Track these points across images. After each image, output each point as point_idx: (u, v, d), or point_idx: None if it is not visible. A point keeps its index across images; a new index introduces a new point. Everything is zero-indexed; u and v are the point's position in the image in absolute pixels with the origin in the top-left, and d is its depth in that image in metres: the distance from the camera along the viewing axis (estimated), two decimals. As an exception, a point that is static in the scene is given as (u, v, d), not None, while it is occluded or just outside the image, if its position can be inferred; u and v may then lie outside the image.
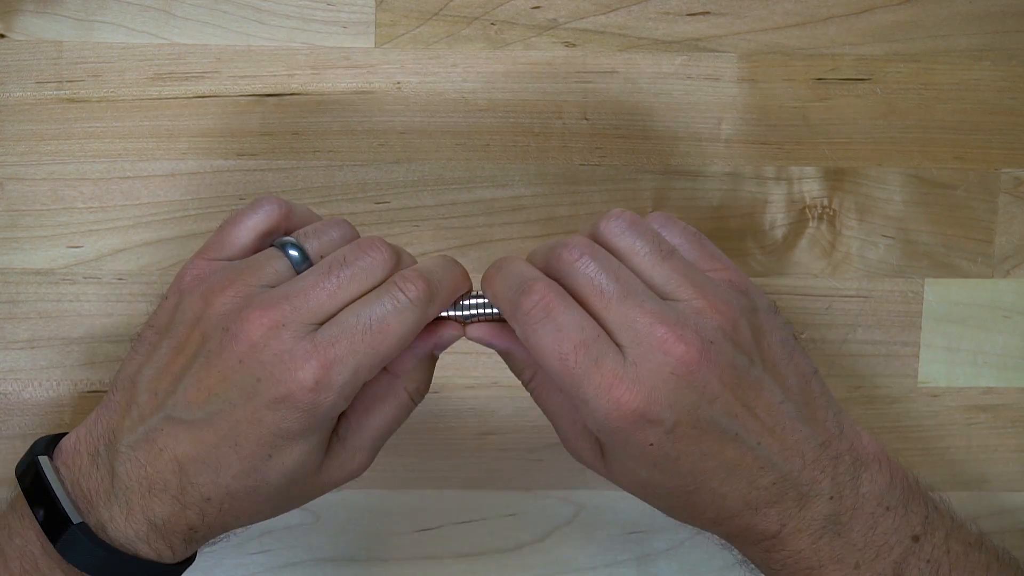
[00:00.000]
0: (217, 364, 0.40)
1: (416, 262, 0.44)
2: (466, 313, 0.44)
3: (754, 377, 0.41)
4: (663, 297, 0.41)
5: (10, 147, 0.53)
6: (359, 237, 0.44)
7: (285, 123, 0.54)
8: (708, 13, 0.55)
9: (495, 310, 0.43)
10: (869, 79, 0.56)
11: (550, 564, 0.57)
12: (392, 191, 0.55)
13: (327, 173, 0.55)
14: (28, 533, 0.42)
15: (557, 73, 0.55)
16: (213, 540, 0.44)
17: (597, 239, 0.42)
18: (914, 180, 0.57)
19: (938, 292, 0.57)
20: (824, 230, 0.57)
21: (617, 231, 0.42)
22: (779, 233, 0.57)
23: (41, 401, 0.55)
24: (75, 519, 0.41)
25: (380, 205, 0.55)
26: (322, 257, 0.43)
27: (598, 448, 0.43)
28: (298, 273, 0.42)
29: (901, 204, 0.57)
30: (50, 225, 0.54)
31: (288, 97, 0.54)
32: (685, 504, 0.42)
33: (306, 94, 0.54)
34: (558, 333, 0.39)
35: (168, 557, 0.42)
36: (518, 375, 0.45)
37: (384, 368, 0.43)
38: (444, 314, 0.44)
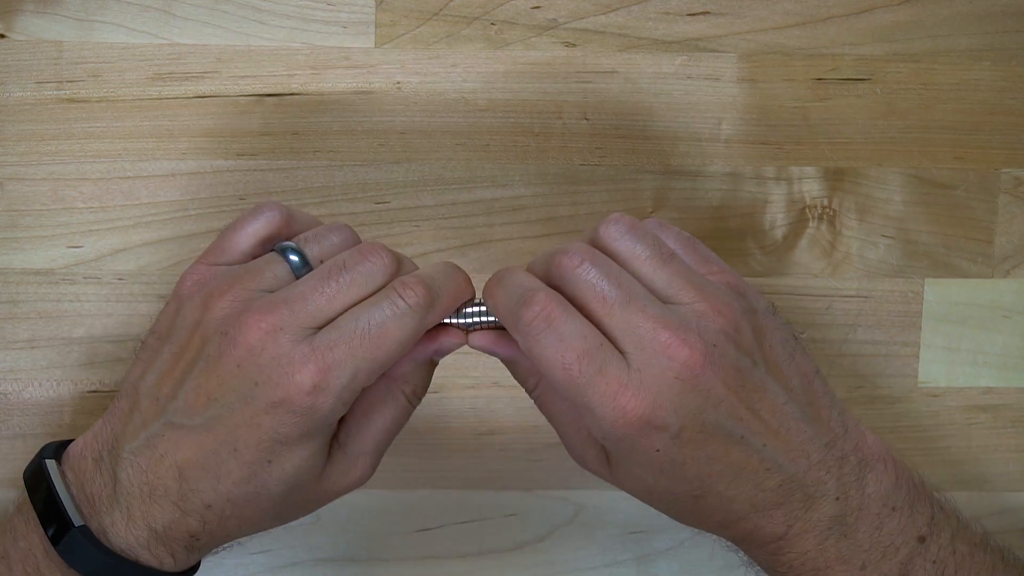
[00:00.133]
0: (216, 369, 0.40)
1: (417, 268, 0.44)
2: (468, 321, 0.44)
3: (757, 379, 0.41)
4: (664, 301, 0.41)
5: (10, 147, 0.53)
6: (360, 242, 0.44)
7: (285, 123, 0.54)
8: (708, 13, 0.55)
9: (495, 318, 0.43)
10: (869, 79, 0.56)
11: (550, 564, 0.57)
12: (392, 191, 0.55)
13: (327, 173, 0.55)
14: (32, 536, 0.42)
15: (557, 73, 0.55)
16: (216, 549, 0.44)
17: (596, 244, 0.42)
18: (914, 180, 0.57)
19: (938, 292, 0.57)
20: (824, 230, 0.57)
21: (616, 235, 0.42)
22: (779, 233, 0.57)
23: (41, 401, 0.55)
24: (77, 522, 0.41)
25: (380, 205, 0.55)
26: (322, 262, 0.43)
27: (604, 455, 0.43)
28: (298, 278, 0.42)
29: (901, 204, 0.57)
30: (50, 225, 0.54)
31: (288, 97, 0.54)
32: (692, 509, 0.42)
33: (306, 94, 0.54)
34: (560, 343, 0.39)
35: (170, 565, 0.42)
36: (522, 383, 0.45)
37: (383, 374, 0.43)
38: (446, 321, 0.43)
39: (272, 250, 0.43)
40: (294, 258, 0.43)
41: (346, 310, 0.41)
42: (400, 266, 0.43)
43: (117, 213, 0.54)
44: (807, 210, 0.57)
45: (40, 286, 0.54)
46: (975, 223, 0.57)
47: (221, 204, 0.54)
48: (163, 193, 0.54)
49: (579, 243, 0.42)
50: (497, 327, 0.44)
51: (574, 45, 0.55)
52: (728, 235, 0.56)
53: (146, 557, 0.41)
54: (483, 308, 0.44)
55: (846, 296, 0.57)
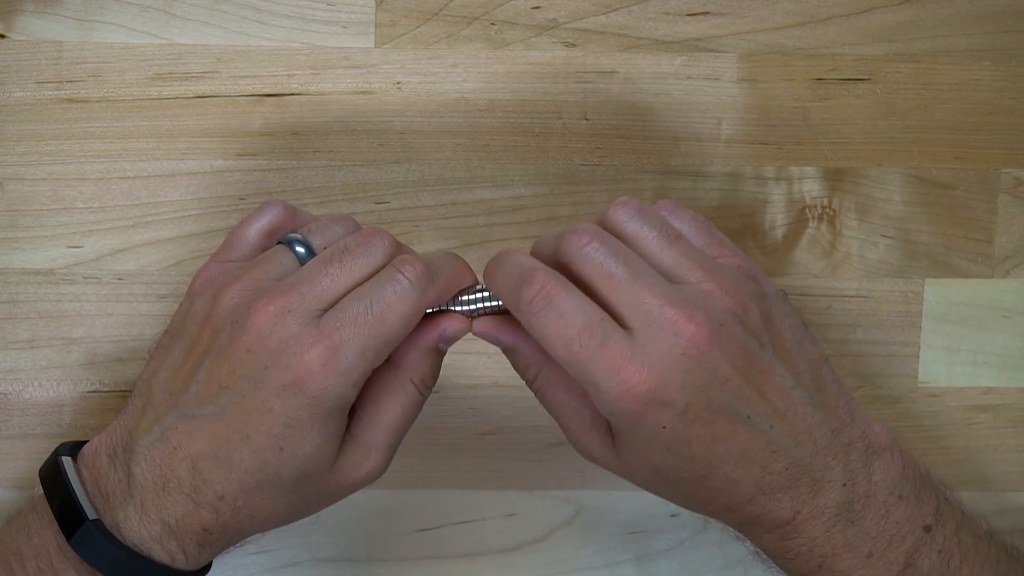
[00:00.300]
0: (227, 357, 0.41)
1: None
2: (470, 308, 0.44)
3: (765, 361, 0.41)
4: (672, 281, 0.41)
5: (10, 147, 0.53)
6: None
7: (285, 123, 0.54)
8: (708, 13, 0.55)
9: (499, 302, 0.44)
10: (869, 79, 0.56)
11: (550, 564, 0.57)
12: (392, 191, 0.55)
13: (327, 173, 0.55)
14: (46, 533, 0.42)
15: (557, 73, 0.55)
16: (227, 549, 0.44)
17: (605, 226, 0.43)
18: (914, 180, 0.57)
19: (938, 292, 0.57)
20: (824, 230, 0.57)
21: (625, 217, 0.42)
22: (779, 233, 0.57)
23: (41, 401, 0.55)
24: (90, 515, 0.41)
25: (380, 205, 0.55)
26: None
27: (608, 439, 0.43)
28: None
29: (901, 204, 0.57)
30: (50, 225, 0.54)
31: (288, 97, 0.54)
32: (698, 491, 0.42)
33: (306, 94, 0.54)
34: (560, 319, 0.39)
35: (181, 562, 0.42)
36: (522, 373, 0.45)
37: (390, 361, 0.43)
38: (449, 309, 0.44)
39: (279, 242, 0.44)
40: (300, 249, 0.44)
41: (350, 291, 0.42)
42: (400, 248, 0.44)
43: (117, 213, 0.54)
44: (807, 210, 0.57)
45: (40, 286, 0.54)
46: (975, 223, 0.57)
47: (221, 204, 0.54)
48: (163, 193, 0.54)
49: (588, 224, 0.42)
50: (500, 312, 0.44)
51: (574, 45, 0.55)
52: (728, 235, 0.55)
53: (158, 552, 0.41)
54: (485, 294, 0.44)
55: (846, 296, 0.57)
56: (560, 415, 0.45)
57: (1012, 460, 0.59)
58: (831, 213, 0.57)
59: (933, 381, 0.58)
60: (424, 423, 0.56)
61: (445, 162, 0.55)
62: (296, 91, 0.54)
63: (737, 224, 0.56)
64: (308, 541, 0.56)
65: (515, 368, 0.45)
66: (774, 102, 0.56)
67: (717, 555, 0.57)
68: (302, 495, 0.43)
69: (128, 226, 0.54)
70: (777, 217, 0.57)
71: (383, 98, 0.55)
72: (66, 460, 0.43)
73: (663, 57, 0.55)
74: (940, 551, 0.43)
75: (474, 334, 0.44)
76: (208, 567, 0.44)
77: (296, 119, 0.54)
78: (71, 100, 0.53)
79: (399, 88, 0.55)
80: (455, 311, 0.44)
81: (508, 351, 0.45)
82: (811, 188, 0.56)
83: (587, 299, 0.40)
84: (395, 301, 0.41)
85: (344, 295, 0.41)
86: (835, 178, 0.56)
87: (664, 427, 0.40)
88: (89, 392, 0.55)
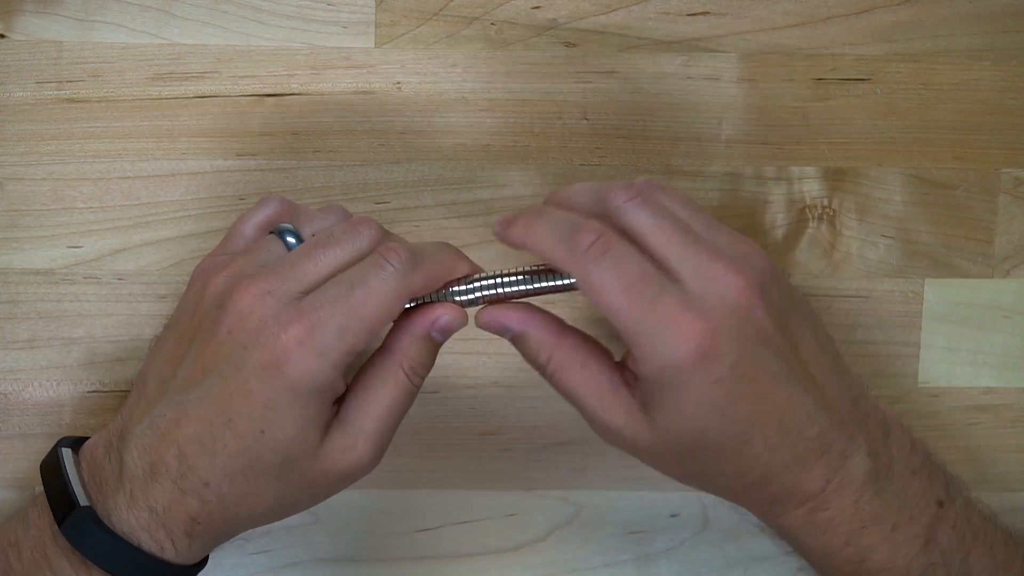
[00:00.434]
0: (210, 340, 0.41)
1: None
2: (469, 297, 0.44)
3: (796, 324, 0.42)
4: None
5: (10, 147, 0.53)
6: None
7: (285, 123, 0.54)
8: (708, 13, 0.55)
9: (497, 291, 0.43)
10: (869, 79, 0.56)
11: (550, 564, 0.57)
12: (392, 191, 0.55)
13: (327, 173, 0.55)
14: (42, 523, 0.42)
15: (557, 73, 0.55)
16: (217, 543, 0.44)
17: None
18: (914, 180, 0.57)
19: (938, 292, 0.57)
20: (824, 230, 0.57)
21: (648, 191, 0.42)
22: (779, 233, 0.57)
23: (41, 401, 0.55)
24: (82, 502, 0.41)
25: (380, 205, 0.55)
26: None
27: (634, 410, 0.42)
28: None
29: (901, 204, 0.57)
30: (50, 225, 0.54)
31: (288, 97, 0.54)
32: (735, 460, 0.41)
33: (306, 94, 0.54)
34: (619, 267, 0.39)
35: (171, 553, 0.42)
36: (534, 359, 0.44)
37: (382, 349, 0.44)
38: (446, 300, 0.44)
39: (270, 233, 0.45)
40: (290, 239, 0.44)
41: (334, 275, 0.42)
42: (388, 238, 0.44)
43: (117, 213, 0.54)
44: (807, 210, 0.57)
45: (40, 286, 0.54)
46: (975, 223, 0.57)
47: (221, 204, 0.54)
48: (163, 193, 0.54)
49: (623, 180, 0.43)
50: (495, 301, 0.44)
51: (574, 45, 0.55)
52: (728, 235, 0.56)
53: (147, 541, 0.41)
54: (483, 282, 0.44)
55: (846, 296, 0.57)
56: (579, 395, 0.43)
57: (1012, 460, 0.59)
58: (831, 213, 0.57)
59: (933, 381, 0.58)
60: (424, 423, 0.56)
61: (445, 162, 0.55)
62: (296, 91, 0.54)
63: (737, 224, 0.56)
64: (308, 541, 0.56)
65: (525, 356, 0.44)
66: (774, 102, 0.56)
67: (717, 555, 0.57)
68: (288, 483, 0.42)
69: (128, 226, 0.54)
70: (777, 217, 0.57)
71: (383, 98, 0.55)
72: (65, 451, 0.43)
73: (663, 57, 0.55)
74: (954, 526, 0.43)
75: (479, 326, 0.44)
76: (202, 564, 0.44)
77: (296, 119, 0.54)
78: (71, 100, 0.53)
79: (399, 88, 0.55)
80: (452, 301, 0.44)
81: (516, 338, 0.44)
82: (811, 188, 0.56)
83: (641, 251, 0.40)
84: (377, 285, 0.41)
85: (327, 279, 0.42)
86: (835, 178, 0.56)
87: (715, 381, 0.39)
88: (89, 392, 0.55)
